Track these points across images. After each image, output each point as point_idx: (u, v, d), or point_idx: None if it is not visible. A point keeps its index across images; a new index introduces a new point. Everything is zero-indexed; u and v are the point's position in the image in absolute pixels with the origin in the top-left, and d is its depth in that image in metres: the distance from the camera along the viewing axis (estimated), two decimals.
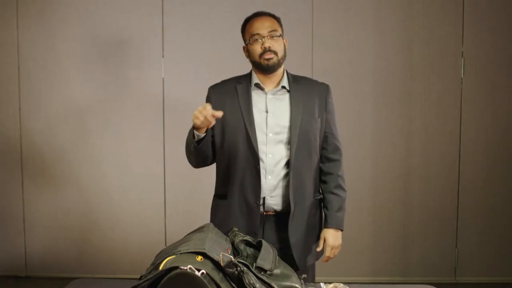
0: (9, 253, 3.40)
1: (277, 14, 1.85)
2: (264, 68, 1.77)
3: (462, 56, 3.28)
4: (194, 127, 1.68)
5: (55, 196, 3.36)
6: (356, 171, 3.30)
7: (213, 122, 1.63)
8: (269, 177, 1.76)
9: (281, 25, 1.82)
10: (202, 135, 1.69)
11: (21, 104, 3.34)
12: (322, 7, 3.26)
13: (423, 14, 3.26)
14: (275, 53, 1.75)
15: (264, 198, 1.77)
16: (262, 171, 1.75)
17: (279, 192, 1.77)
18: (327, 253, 1.84)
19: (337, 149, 1.89)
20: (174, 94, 3.28)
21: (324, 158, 1.88)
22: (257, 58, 1.77)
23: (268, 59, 1.75)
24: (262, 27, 1.76)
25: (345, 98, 3.27)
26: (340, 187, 1.87)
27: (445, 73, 3.29)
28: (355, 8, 3.27)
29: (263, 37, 1.75)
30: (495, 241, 3.35)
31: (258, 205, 1.76)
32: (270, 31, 1.76)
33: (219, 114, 1.60)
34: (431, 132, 3.31)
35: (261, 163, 1.75)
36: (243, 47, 1.85)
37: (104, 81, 3.31)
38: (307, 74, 3.21)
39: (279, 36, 1.78)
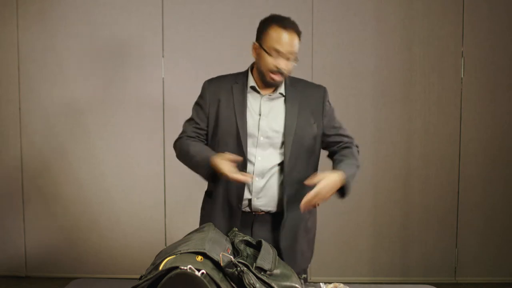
0: (9, 253, 3.40)
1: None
2: (268, 83, 1.74)
3: (462, 56, 3.28)
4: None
5: (55, 196, 3.36)
6: None
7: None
8: (257, 179, 1.74)
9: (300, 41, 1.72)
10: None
11: (21, 104, 3.34)
12: (322, 7, 3.26)
13: (423, 14, 3.26)
14: (283, 74, 1.70)
15: (250, 200, 1.76)
16: (250, 173, 1.73)
17: (265, 193, 1.75)
18: (309, 196, 1.59)
19: (349, 140, 1.85)
20: (174, 94, 3.28)
21: (337, 155, 1.82)
22: (265, 70, 1.70)
23: (275, 80, 1.71)
24: (289, 46, 1.66)
25: (345, 98, 3.27)
26: (354, 157, 1.78)
27: (445, 73, 3.29)
28: (355, 8, 3.27)
29: (283, 56, 1.67)
30: (495, 241, 3.35)
31: (240, 208, 1.75)
32: (291, 52, 1.67)
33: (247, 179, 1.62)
34: (431, 132, 3.31)
35: (249, 165, 1.74)
36: (253, 45, 1.74)
37: (104, 81, 3.31)
38: (307, 74, 3.22)
39: (295, 59, 1.71)
